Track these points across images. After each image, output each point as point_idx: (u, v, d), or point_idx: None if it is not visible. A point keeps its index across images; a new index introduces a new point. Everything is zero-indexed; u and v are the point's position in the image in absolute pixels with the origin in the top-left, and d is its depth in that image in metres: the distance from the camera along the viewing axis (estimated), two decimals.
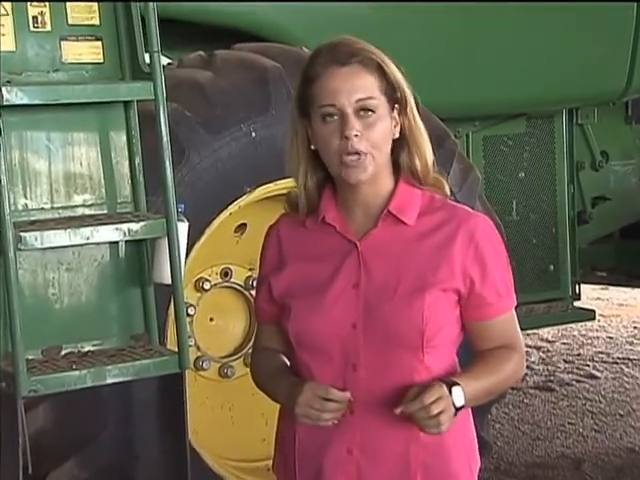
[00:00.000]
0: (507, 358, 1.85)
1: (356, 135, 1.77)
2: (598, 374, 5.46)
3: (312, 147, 1.84)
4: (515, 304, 1.90)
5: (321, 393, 1.77)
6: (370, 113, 1.79)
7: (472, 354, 1.89)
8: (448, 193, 1.89)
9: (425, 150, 1.84)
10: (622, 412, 4.87)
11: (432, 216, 1.85)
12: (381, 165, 1.82)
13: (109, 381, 2.47)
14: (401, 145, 1.84)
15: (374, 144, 1.79)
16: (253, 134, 2.90)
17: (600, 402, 5.01)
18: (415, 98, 1.84)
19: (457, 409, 1.76)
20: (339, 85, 1.78)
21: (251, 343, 3.10)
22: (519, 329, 1.90)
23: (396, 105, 1.82)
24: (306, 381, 1.82)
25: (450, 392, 1.75)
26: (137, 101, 2.62)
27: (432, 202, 1.86)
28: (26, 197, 2.53)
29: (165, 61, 2.95)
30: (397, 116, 1.83)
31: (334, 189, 1.87)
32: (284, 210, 1.94)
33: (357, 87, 1.78)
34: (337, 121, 1.79)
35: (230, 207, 2.90)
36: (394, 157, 1.85)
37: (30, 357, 2.47)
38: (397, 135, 1.83)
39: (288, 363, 1.93)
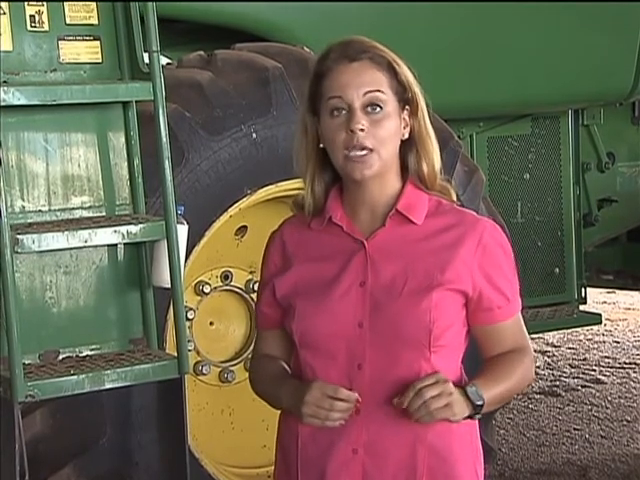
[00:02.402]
0: (519, 361, 1.85)
1: (362, 129, 1.78)
2: (604, 379, 5.43)
3: (321, 145, 1.84)
4: (521, 307, 1.90)
5: (330, 392, 1.76)
6: (378, 109, 1.79)
7: (478, 361, 1.88)
8: (455, 199, 1.89)
9: (433, 155, 1.85)
10: (629, 418, 4.84)
11: (439, 219, 1.85)
12: (387, 163, 1.82)
13: (107, 386, 2.45)
14: (409, 147, 1.84)
15: (380, 140, 1.79)
16: (254, 135, 2.88)
17: (607, 408, 4.98)
18: (427, 102, 1.84)
19: (477, 407, 1.77)
20: (348, 79, 1.79)
21: (252, 347, 3.07)
22: (526, 332, 1.90)
23: (407, 107, 1.82)
24: (313, 381, 1.80)
25: (465, 391, 1.76)
26: (136, 102, 2.61)
27: (439, 206, 1.87)
28: (23, 199, 2.51)
29: (164, 61, 2.93)
30: (407, 118, 1.83)
31: (340, 189, 1.87)
32: (291, 212, 1.93)
33: (366, 81, 1.79)
34: (344, 115, 1.79)
35: (230, 209, 2.88)
36: (402, 159, 1.85)
37: (27, 361, 2.46)
38: (406, 136, 1.83)
39: (289, 370, 1.91)
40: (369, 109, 1.79)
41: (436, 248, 1.82)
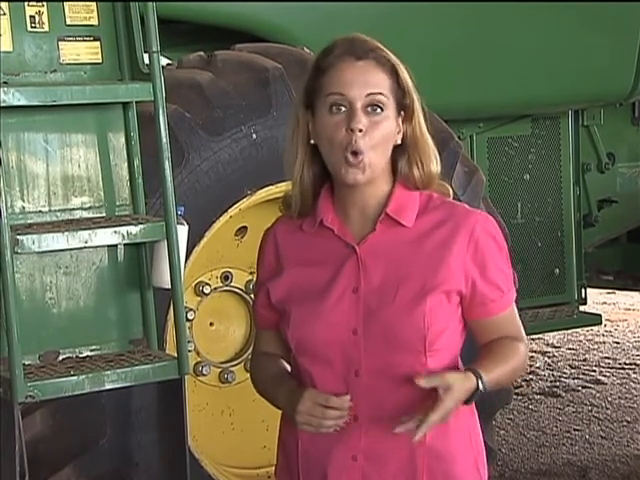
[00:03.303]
0: (516, 348, 1.85)
1: (361, 130, 1.76)
2: (604, 380, 5.42)
3: (311, 142, 1.82)
4: (515, 296, 1.89)
5: (321, 401, 1.76)
6: (378, 110, 1.78)
7: (474, 353, 1.88)
8: (451, 197, 1.88)
9: (426, 161, 1.83)
10: (629, 418, 4.84)
11: (430, 215, 1.83)
12: (379, 168, 1.80)
13: (107, 387, 2.45)
14: (401, 152, 1.83)
15: (374, 144, 1.78)
16: (254, 136, 2.88)
17: (607, 408, 4.98)
18: (424, 109, 1.83)
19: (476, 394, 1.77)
20: (352, 77, 1.77)
21: (252, 348, 3.07)
22: (520, 321, 1.90)
23: (402, 112, 1.81)
24: (306, 388, 1.80)
25: (477, 384, 1.75)
26: (136, 102, 2.60)
27: (430, 201, 1.85)
28: (23, 200, 2.51)
29: (164, 62, 2.93)
30: (401, 123, 1.82)
31: (331, 190, 1.85)
32: (280, 212, 1.92)
33: (370, 82, 1.77)
34: (344, 113, 1.77)
35: (230, 210, 2.88)
36: (393, 163, 1.84)
37: (27, 362, 2.46)
38: (399, 142, 1.82)
39: (288, 368, 1.91)
40: (369, 109, 1.77)
41: (428, 249, 1.81)
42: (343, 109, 1.77)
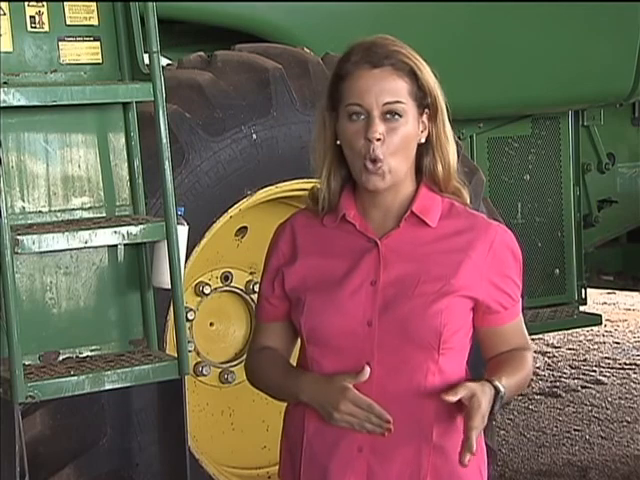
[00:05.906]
0: (527, 358, 1.89)
1: (379, 139, 1.79)
2: (605, 380, 5.43)
3: (338, 142, 1.84)
4: (521, 306, 1.93)
5: (363, 406, 1.76)
6: (397, 117, 1.80)
7: (482, 360, 1.89)
8: (468, 202, 1.91)
9: (449, 157, 1.86)
10: (629, 419, 4.84)
11: (452, 221, 1.86)
12: (401, 173, 1.83)
13: (107, 387, 2.45)
14: (426, 150, 1.85)
15: (394, 150, 1.80)
16: (254, 136, 2.88)
17: (607, 408, 4.98)
18: (446, 105, 1.85)
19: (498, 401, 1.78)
20: (368, 86, 1.79)
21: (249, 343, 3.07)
22: (525, 328, 1.93)
23: (426, 110, 1.83)
24: (340, 382, 1.78)
25: (497, 389, 1.77)
26: (136, 102, 2.60)
27: (452, 208, 1.88)
28: (23, 200, 2.51)
29: (165, 62, 2.93)
30: (426, 121, 1.84)
31: (353, 187, 1.88)
32: (306, 205, 1.93)
33: (386, 90, 1.79)
34: (363, 121, 1.80)
35: (230, 210, 2.88)
36: (417, 160, 1.86)
37: (27, 362, 2.45)
38: (423, 140, 1.84)
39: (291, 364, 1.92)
40: (388, 116, 1.79)
41: (448, 252, 1.84)
42: (362, 117, 1.79)
